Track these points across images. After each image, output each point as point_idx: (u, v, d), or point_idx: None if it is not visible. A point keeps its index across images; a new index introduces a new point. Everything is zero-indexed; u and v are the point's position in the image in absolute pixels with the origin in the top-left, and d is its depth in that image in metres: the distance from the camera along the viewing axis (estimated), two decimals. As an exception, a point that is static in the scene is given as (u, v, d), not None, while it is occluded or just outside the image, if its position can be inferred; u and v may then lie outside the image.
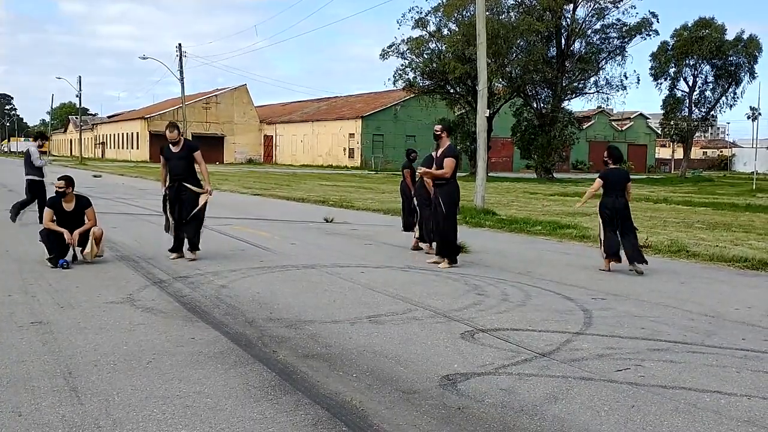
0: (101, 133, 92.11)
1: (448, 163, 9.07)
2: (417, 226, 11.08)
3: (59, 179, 8.73)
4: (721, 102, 51.27)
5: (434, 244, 10.63)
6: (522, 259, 10.15)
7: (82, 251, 8.74)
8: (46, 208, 8.79)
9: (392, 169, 50.82)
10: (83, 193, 9.36)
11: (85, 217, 8.79)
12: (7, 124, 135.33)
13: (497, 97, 43.48)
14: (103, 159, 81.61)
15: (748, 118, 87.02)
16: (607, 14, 44.00)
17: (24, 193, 13.48)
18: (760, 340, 5.70)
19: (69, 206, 8.73)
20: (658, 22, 43.76)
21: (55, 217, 8.64)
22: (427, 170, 9.28)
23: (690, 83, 51.33)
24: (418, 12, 43.26)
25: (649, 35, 43.94)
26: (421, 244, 10.94)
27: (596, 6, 43.55)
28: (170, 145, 9.38)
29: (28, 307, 6.28)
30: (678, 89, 51.76)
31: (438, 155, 9.26)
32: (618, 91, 45.38)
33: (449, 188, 9.12)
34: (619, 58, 45.07)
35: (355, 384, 4.37)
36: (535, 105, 46.27)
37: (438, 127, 9.52)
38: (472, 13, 38.12)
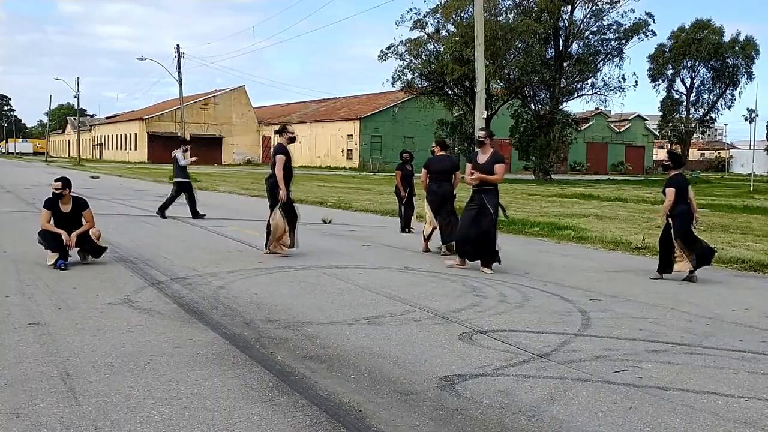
0: (99, 134, 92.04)
1: (500, 169, 8.87)
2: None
3: (56, 181, 8.70)
4: (718, 104, 51.46)
5: (439, 246, 10.65)
6: (520, 260, 10.15)
7: (79, 253, 8.73)
8: (42, 209, 8.77)
9: (390, 171, 50.84)
10: (81, 195, 9.36)
11: (83, 219, 8.77)
12: (5, 125, 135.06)
13: (495, 99, 43.57)
14: (101, 160, 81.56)
15: (746, 119, 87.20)
16: (605, 16, 44.15)
17: (170, 192, 15.72)
18: (757, 341, 5.71)
19: (66, 208, 8.71)
20: (654, 22, 43.92)
21: (52, 219, 8.63)
22: (482, 175, 8.81)
23: (687, 85, 51.54)
24: (416, 13, 43.39)
25: (646, 35, 44.06)
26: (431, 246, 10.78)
27: (594, 8, 43.66)
28: (287, 146, 9.63)
29: (26, 309, 6.27)
30: (675, 91, 51.99)
31: (484, 160, 8.89)
32: (616, 92, 45.49)
33: (496, 193, 8.96)
34: (616, 59, 45.21)
35: (353, 385, 4.37)
36: (533, 106, 46.35)
37: (482, 133, 9.23)
38: (470, 14, 38.23)
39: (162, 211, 15.10)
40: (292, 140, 9.70)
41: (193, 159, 16.67)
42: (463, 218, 9.13)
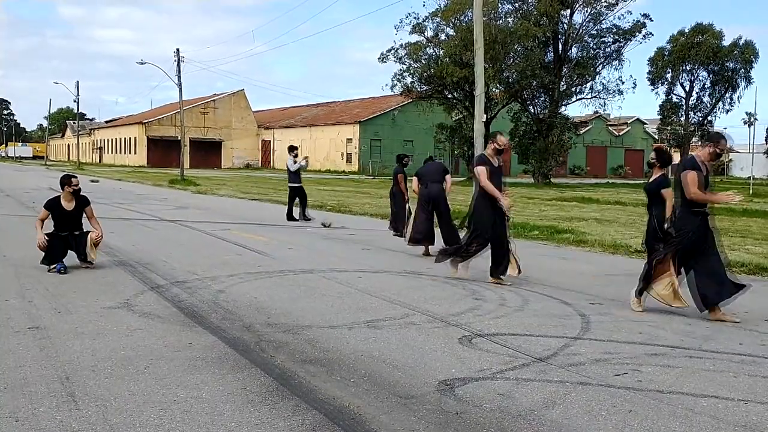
0: (99, 138, 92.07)
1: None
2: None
3: (73, 178, 8.84)
4: (717, 107, 51.53)
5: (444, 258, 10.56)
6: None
7: (80, 257, 8.72)
8: (43, 209, 8.80)
9: (390, 174, 50.82)
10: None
11: (84, 215, 8.84)
12: (5, 129, 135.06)
13: (495, 102, 43.55)
14: (100, 164, 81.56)
15: (745, 123, 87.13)
16: (604, 19, 44.18)
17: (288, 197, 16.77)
18: (757, 344, 5.71)
19: (70, 206, 8.74)
20: (652, 20, 43.95)
21: (53, 219, 8.65)
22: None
23: (687, 88, 51.60)
24: (415, 17, 43.38)
25: (645, 38, 44.10)
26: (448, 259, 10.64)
27: (593, 11, 43.71)
28: (495, 157, 8.48)
29: (26, 312, 6.27)
30: (675, 94, 52.06)
31: (707, 172, 6.90)
32: (615, 95, 45.51)
33: None
34: (615, 62, 45.23)
35: (353, 389, 4.37)
36: (532, 110, 46.37)
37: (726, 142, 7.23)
38: (469, 18, 38.26)
39: (292, 217, 16.05)
40: (499, 152, 8.55)
41: (301, 162, 16.87)
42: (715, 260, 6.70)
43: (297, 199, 16.52)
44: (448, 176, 11.11)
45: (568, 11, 43.60)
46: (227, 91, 78.18)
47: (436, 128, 48.05)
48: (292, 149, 17.27)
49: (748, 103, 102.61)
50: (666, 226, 7.81)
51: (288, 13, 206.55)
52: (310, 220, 16.17)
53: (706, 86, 51.32)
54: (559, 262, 10.52)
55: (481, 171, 8.32)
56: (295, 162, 16.57)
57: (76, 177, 8.96)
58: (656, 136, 65.09)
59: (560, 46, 44.62)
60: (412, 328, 5.97)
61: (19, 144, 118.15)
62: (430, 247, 10.86)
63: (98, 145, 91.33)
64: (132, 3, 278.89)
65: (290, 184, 16.75)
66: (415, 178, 11.17)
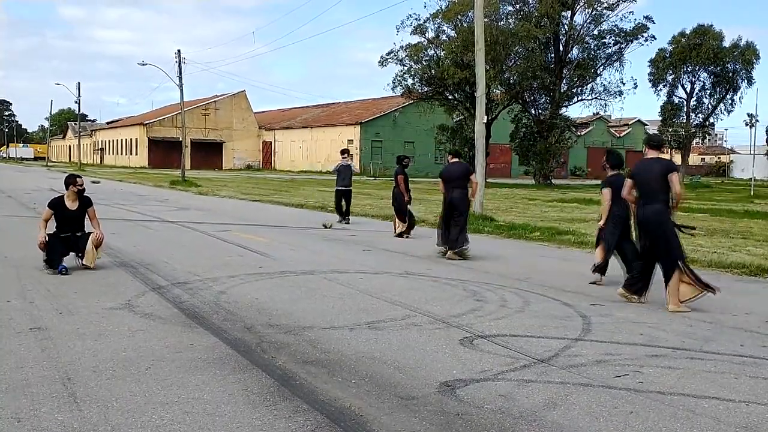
0: (100, 139, 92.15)
1: None
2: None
3: (78, 178, 8.89)
4: (718, 109, 51.47)
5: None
6: (521, 265, 10.15)
7: (80, 257, 8.73)
8: (46, 208, 8.81)
9: (391, 175, 50.81)
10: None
11: (87, 216, 8.85)
12: (6, 130, 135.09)
13: (495, 104, 43.56)
14: (101, 165, 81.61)
15: (746, 124, 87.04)
16: (605, 20, 44.21)
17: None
18: (758, 346, 5.71)
19: (73, 205, 8.76)
20: (654, 23, 44.01)
21: (56, 219, 8.67)
22: None
23: (688, 90, 51.54)
24: (416, 19, 43.39)
25: (647, 40, 44.13)
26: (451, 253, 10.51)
27: (594, 12, 43.74)
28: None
29: (27, 313, 6.28)
30: (676, 96, 51.99)
31: None
32: (615, 97, 45.52)
33: None
34: (616, 63, 45.27)
35: (354, 390, 4.37)
36: (533, 111, 46.39)
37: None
38: (470, 19, 38.26)
39: (344, 217, 16.09)
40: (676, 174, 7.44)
41: (339, 164, 16.69)
42: None
43: (343, 201, 16.20)
44: (473, 176, 10.95)
45: (569, 12, 43.68)
46: (228, 92, 78.28)
47: (437, 129, 48.05)
48: (343, 152, 17.19)
49: (749, 104, 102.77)
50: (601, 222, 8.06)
51: (289, 14, 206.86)
52: (343, 221, 15.98)
53: (706, 87, 51.28)
54: (560, 263, 10.52)
55: (676, 177, 7.34)
56: (341, 162, 16.52)
57: (81, 177, 9.01)
58: (657, 138, 65.09)
59: (561, 47, 44.68)
60: (413, 330, 5.97)
61: (21, 145, 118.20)
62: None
63: (99, 146, 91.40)
64: (132, 3, 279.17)
65: (337, 188, 16.36)
66: (441, 182, 11.04)
